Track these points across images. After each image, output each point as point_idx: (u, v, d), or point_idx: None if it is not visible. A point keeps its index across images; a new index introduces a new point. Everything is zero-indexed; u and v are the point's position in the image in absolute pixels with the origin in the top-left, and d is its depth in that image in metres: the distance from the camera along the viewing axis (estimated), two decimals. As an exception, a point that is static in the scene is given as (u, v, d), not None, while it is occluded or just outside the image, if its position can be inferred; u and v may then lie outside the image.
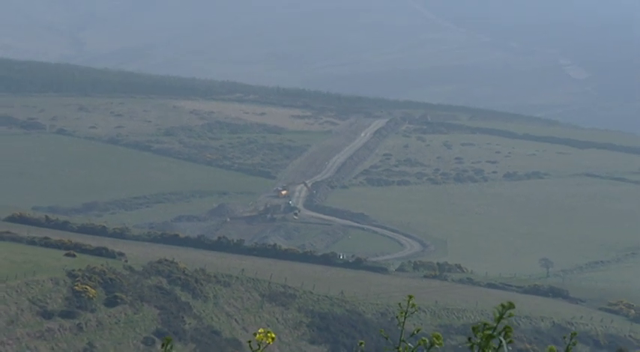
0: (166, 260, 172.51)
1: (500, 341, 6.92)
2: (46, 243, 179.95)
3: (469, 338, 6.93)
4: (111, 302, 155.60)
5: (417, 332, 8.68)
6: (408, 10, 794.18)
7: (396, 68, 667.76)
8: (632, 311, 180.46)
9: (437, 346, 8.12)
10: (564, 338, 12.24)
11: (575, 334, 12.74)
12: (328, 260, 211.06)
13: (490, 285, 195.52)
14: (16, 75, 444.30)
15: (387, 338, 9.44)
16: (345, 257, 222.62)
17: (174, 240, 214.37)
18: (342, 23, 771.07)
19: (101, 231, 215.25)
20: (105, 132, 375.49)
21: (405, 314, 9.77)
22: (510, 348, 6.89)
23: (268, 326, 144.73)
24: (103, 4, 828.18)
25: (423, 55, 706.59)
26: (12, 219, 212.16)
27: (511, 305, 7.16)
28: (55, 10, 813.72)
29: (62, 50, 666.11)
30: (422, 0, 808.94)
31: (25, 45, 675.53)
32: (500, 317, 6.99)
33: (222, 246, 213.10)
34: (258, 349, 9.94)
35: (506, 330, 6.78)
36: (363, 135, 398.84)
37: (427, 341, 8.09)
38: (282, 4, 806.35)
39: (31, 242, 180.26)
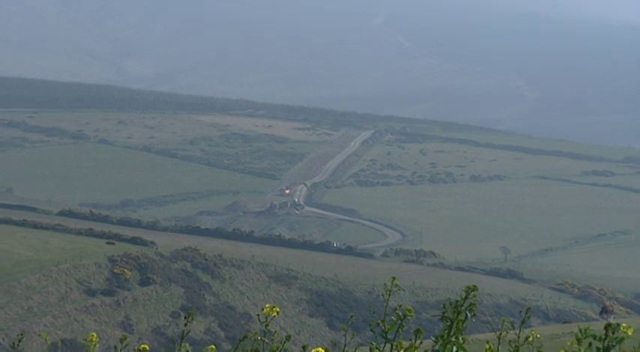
0: (190, 247, 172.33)
1: (466, 315, 6.90)
2: (90, 233, 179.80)
3: (443, 313, 6.88)
4: (144, 282, 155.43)
5: (399, 307, 8.62)
6: (391, 42, 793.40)
7: (380, 89, 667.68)
8: (576, 290, 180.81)
9: (409, 318, 8.08)
10: (520, 312, 12.17)
11: (529, 309, 12.68)
12: (324, 247, 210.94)
13: (458, 268, 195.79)
14: (66, 94, 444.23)
15: (374, 312, 9.40)
16: (338, 245, 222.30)
17: (196, 231, 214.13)
18: (337, 53, 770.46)
19: (136, 224, 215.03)
20: (139, 142, 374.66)
21: (389, 292, 9.72)
22: (474, 320, 6.86)
23: (274, 302, 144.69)
24: (139, 34, 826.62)
25: (403, 78, 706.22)
26: (62, 213, 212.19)
27: (475, 288, 7.13)
28: (97, 41, 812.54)
29: (104, 74, 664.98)
30: (402, 33, 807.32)
31: (73, 69, 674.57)
32: (467, 297, 6.95)
33: (236, 236, 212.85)
34: (266, 321, 9.88)
35: (471, 306, 6.75)
36: (352, 144, 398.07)
37: (401, 314, 8.04)
38: (287, 37, 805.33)
39: (78, 232, 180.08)
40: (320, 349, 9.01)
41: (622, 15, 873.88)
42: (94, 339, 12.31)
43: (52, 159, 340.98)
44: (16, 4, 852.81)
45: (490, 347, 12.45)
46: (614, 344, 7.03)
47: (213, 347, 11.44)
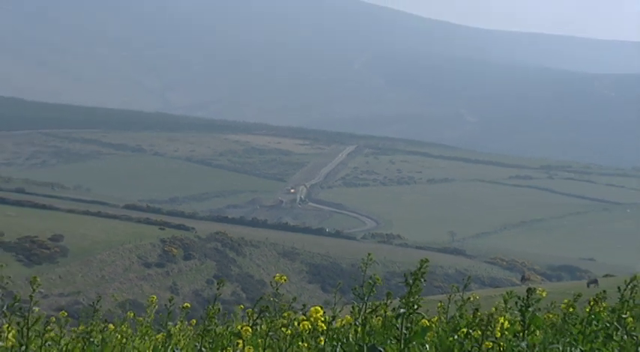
0: (220, 232, 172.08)
1: (422, 280, 6.92)
2: (147, 221, 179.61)
3: (405, 280, 6.88)
4: (186, 258, 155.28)
5: (373, 275, 8.64)
6: (369, 79, 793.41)
7: (361, 115, 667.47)
8: (504, 263, 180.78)
9: (378, 284, 8.08)
10: (463, 279, 12.16)
11: (469, 277, 12.69)
12: (319, 232, 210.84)
13: (418, 247, 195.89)
14: (127, 119, 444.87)
15: (355, 280, 9.45)
16: (329, 230, 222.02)
17: (224, 220, 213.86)
18: (329, 87, 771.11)
19: (180, 214, 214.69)
20: (183, 154, 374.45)
21: (366, 265, 9.73)
22: (426, 284, 6.91)
23: (282, 272, 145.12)
24: (180, 73, 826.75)
25: (377, 106, 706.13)
26: (127, 206, 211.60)
27: (426, 260, 7.13)
28: (149, 78, 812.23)
29: (154, 103, 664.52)
30: (377, 72, 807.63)
31: (131, 100, 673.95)
32: (421, 267, 6.95)
33: (254, 223, 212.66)
34: (276, 286, 9.87)
35: (424, 275, 6.77)
36: (340, 155, 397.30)
37: (372, 281, 8.05)
38: (291, 74, 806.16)
39: (138, 221, 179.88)
40: (317, 307, 9.01)
41: (537, 60, 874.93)
42: (154, 300, 12.32)
43: (118, 166, 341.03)
44: (87, 48, 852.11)
45: (441, 305, 12.45)
46: (532, 302, 7.03)
47: (242, 306, 11.45)
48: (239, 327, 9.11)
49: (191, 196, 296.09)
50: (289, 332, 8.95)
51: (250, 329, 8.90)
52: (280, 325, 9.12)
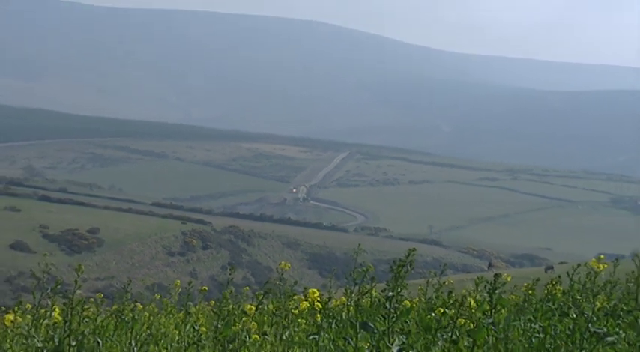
0: (233, 225, 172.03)
1: (407, 268, 6.92)
2: (170, 216, 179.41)
3: (391, 267, 6.88)
4: (204, 247, 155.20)
5: (363, 262, 8.63)
6: (359, 94, 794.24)
7: (353, 126, 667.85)
8: (474, 252, 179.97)
9: (371, 271, 8.09)
10: (440, 266, 12.15)
11: (445, 264, 12.70)
12: (318, 225, 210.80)
13: (401, 238, 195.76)
14: (153, 130, 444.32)
15: (348, 267, 9.46)
16: (326, 224, 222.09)
17: (237, 215, 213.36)
18: (326, 102, 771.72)
19: (199, 210, 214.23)
20: (201, 159, 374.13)
21: (357, 254, 9.73)
22: (412, 271, 6.88)
23: (286, 260, 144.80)
24: (200, 90, 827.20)
25: (367, 118, 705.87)
26: (153, 204, 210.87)
27: (414, 249, 7.12)
28: (173, 94, 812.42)
29: (177, 116, 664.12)
30: (367, 89, 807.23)
31: (157, 113, 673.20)
32: (408, 256, 6.94)
33: (262, 218, 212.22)
34: (281, 272, 9.86)
35: (411, 263, 6.77)
36: (335, 160, 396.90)
37: (364, 268, 8.05)
38: (294, 90, 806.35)
39: (163, 216, 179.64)
40: (314, 289, 9.00)
41: (501, 79, 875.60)
42: (178, 283, 12.29)
43: (146, 170, 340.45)
44: (122, 70, 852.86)
45: (421, 288, 12.44)
46: (498, 285, 7.02)
47: (247, 287, 11.40)
48: (247, 306, 9.11)
49: (208, 195, 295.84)
50: (296, 311, 8.95)
51: (254, 308, 8.90)
52: (288, 306, 9.11)
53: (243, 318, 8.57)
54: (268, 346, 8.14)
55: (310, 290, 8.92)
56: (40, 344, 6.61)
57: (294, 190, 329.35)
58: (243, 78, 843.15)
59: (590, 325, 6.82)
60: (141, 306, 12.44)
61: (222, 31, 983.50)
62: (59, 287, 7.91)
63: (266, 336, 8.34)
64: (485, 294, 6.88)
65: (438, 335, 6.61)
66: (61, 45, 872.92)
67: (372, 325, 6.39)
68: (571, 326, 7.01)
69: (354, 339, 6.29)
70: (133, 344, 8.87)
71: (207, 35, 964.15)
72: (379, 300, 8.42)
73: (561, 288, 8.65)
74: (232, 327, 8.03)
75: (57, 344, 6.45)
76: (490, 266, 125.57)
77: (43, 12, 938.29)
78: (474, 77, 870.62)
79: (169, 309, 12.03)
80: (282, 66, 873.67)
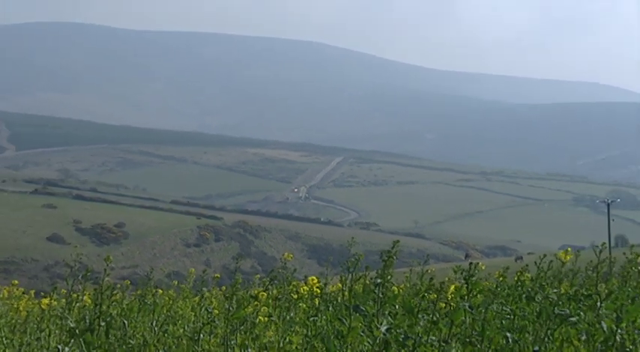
0: (242, 220, 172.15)
1: (394, 258, 6.94)
2: (187, 212, 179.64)
3: (380, 256, 6.89)
4: (217, 240, 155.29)
5: (356, 253, 8.64)
6: (351, 105, 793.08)
7: (346, 133, 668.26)
8: (454, 243, 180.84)
9: (362, 259, 8.09)
10: (424, 256, 12.15)
11: (428, 255, 12.70)
12: (316, 221, 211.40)
13: (389, 232, 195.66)
14: (171, 138, 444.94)
15: (342, 257, 9.46)
16: (324, 219, 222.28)
17: (245, 212, 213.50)
18: (324, 112, 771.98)
19: (212, 207, 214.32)
20: (214, 163, 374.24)
21: (350, 245, 9.73)
22: (398, 260, 6.89)
23: (288, 250, 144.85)
24: (213, 101, 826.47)
25: (359, 126, 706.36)
26: (172, 202, 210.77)
27: (398, 241, 7.13)
28: (188, 105, 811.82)
29: (192, 126, 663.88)
30: (358, 100, 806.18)
31: (175, 123, 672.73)
32: (394, 246, 6.95)
33: (268, 214, 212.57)
34: (284, 261, 9.86)
35: (396, 253, 6.78)
36: (331, 164, 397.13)
37: (356, 258, 8.06)
38: (295, 100, 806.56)
39: (181, 212, 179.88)
40: (313, 277, 9.00)
41: (477, 93, 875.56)
42: (192, 272, 12.29)
43: (166, 172, 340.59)
44: (145, 84, 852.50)
45: (407, 275, 12.44)
46: (474, 273, 7.03)
47: (256, 275, 11.40)
48: (256, 292, 9.12)
49: (220, 194, 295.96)
50: (295, 296, 8.95)
51: (264, 294, 8.90)
52: (289, 291, 9.11)
53: (254, 303, 8.59)
54: (273, 326, 8.14)
55: (310, 278, 8.92)
56: (72, 325, 6.62)
57: (296, 190, 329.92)
58: (251, 91, 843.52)
59: (554, 308, 6.82)
60: (161, 291, 12.45)
61: (233, 50, 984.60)
62: (90, 274, 7.96)
63: (272, 317, 8.35)
64: (463, 281, 6.88)
65: (420, 316, 6.60)
66: (94, 63, 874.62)
67: (364, 308, 6.39)
68: (538, 309, 7.02)
69: (348, 320, 6.29)
70: (154, 324, 8.90)
71: (219, 54, 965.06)
72: (370, 286, 8.42)
73: (529, 276, 8.66)
74: (243, 310, 8.03)
75: (88, 324, 6.46)
76: (467, 256, 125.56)
77: (80, 35, 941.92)
78: (454, 91, 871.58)
79: (186, 294, 12.02)
80: (285, 81, 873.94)
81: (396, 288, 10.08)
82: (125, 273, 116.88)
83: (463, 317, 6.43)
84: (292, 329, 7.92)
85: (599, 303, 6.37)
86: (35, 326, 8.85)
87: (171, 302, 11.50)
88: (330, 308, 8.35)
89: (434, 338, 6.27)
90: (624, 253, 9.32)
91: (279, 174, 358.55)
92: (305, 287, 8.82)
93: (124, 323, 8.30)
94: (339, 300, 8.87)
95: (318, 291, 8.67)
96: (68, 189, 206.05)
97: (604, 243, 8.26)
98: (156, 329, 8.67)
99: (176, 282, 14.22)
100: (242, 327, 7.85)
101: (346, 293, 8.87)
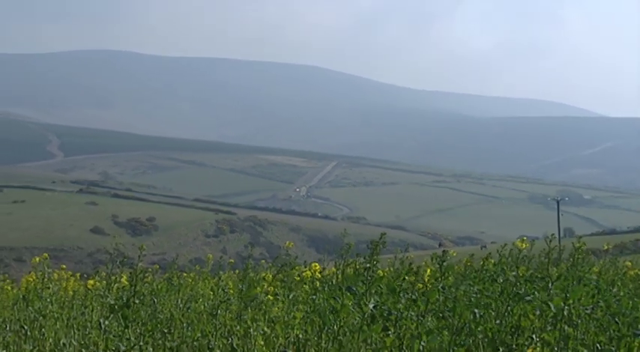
0: (252, 215, 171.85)
1: (381, 246, 6.95)
2: (207, 208, 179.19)
3: (368, 246, 6.90)
4: (231, 231, 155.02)
5: (348, 243, 8.65)
6: (344, 117, 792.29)
7: (341, 142, 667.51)
8: (430, 234, 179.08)
9: (352, 248, 8.09)
10: (404, 245, 12.15)
11: (408, 244, 12.70)
12: (315, 215, 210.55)
13: (376, 225, 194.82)
14: (193, 146, 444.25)
15: (337, 246, 9.46)
16: (321, 214, 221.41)
17: (255, 208, 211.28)
18: (321, 123, 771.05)
19: (228, 204, 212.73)
20: (231, 167, 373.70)
21: (344, 236, 9.73)
22: (382, 249, 6.90)
23: (291, 241, 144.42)
24: (228, 113, 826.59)
25: (351, 136, 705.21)
26: (195, 200, 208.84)
27: (384, 234, 7.15)
28: (206, 118, 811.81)
29: (211, 136, 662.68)
30: (350, 113, 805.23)
31: (194, 133, 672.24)
32: (381, 237, 6.96)
33: (274, 210, 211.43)
34: (287, 249, 9.86)
35: (383, 243, 6.79)
36: (327, 168, 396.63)
37: (347, 247, 8.06)
38: (297, 112, 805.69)
39: (202, 208, 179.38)
40: (315, 263, 9.01)
41: (451, 108, 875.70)
42: (211, 258, 12.28)
43: (190, 175, 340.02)
44: (169, 102, 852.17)
45: (390, 261, 12.45)
46: (446, 259, 7.05)
47: (264, 261, 11.39)
48: (264, 274, 9.13)
49: (234, 193, 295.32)
50: (298, 278, 8.96)
51: (272, 277, 8.91)
52: (293, 274, 9.11)
53: (263, 283, 8.61)
54: (280, 304, 8.16)
55: (313, 264, 8.93)
56: (112, 302, 6.67)
57: (298, 190, 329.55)
58: (261, 107, 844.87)
59: (514, 288, 6.85)
60: (185, 274, 12.47)
61: (245, 72, 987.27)
62: (126, 260, 8.01)
63: (278, 296, 8.36)
64: (437, 265, 6.89)
65: (402, 295, 6.62)
66: (129, 84, 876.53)
67: (355, 288, 6.41)
68: (500, 289, 7.04)
69: (341, 299, 6.31)
70: (179, 302, 8.92)
71: (234, 76, 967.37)
72: (359, 270, 8.42)
73: (493, 261, 8.68)
74: (254, 290, 8.04)
75: (125, 301, 6.50)
76: (440, 245, 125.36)
77: (114, 61, 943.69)
78: (430, 106, 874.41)
79: (205, 276, 12.02)
80: (289, 99, 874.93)
81: (381, 272, 10.08)
82: (155, 259, 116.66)
83: (437, 296, 6.46)
84: (295, 307, 7.94)
85: (550, 284, 6.41)
86: (80, 303, 8.88)
87: (193, 283, 11.50)
88: (327, 289, 8.36)
89: (413, 313, 6.31)
90: (572, 242, 9.36)
91: (284, 176, 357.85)
92: (308, 273, 8.83)
93: (153, 300, 8.33)
94: (333, 282, 8.88)
95: (320, 276, 8.68)
96: (107, 189, 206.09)
97: (554, 234, 8.29)
98: (181, 305, 8.70)
99: (197, 267, 14.22)
100: (253, 304, 7.87)
101: (340, 276, 8.87)
